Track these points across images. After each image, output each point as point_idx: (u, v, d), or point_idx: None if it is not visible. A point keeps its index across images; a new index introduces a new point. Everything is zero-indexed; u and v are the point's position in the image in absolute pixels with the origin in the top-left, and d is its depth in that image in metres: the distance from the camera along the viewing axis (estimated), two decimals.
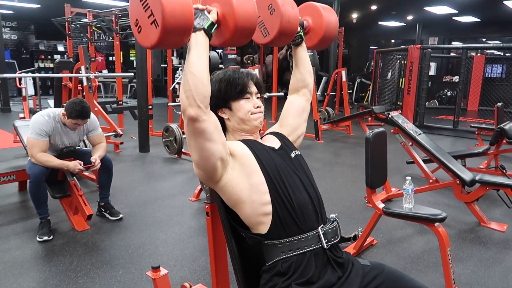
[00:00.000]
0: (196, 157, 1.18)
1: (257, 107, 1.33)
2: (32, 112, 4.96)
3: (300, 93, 1.53)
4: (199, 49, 1.11)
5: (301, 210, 1.20)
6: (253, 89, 1.34)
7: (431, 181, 3.42)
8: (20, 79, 5.71)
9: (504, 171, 3.72)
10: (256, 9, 1.20)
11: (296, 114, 1.50)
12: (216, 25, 1.15)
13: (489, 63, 10.60)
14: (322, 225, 1.23)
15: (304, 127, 1.51)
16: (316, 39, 1.54)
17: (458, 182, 3.01)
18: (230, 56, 8.98)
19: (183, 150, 4.87)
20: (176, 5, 1.02)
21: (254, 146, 1.27)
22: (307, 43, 1.54)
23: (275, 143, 1.36)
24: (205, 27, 1.12)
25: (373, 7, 10.00)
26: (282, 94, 7.54)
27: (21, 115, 5.16)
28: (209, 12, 1.14)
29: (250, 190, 1.20)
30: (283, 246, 1.19)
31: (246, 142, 1.28)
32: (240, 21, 1.14)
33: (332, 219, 1.28)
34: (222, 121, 1.35)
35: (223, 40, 1.19)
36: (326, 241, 1.20)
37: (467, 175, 2.98)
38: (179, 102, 4.77)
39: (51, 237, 2.65)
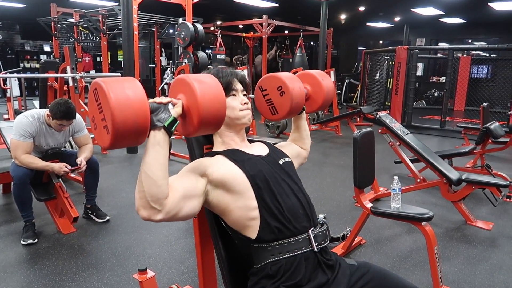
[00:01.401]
0: None
1: (244, 103, 1.32)
2: (17, 113, 4.88)
3: (299, 147, 1.61)
4: (156, 148, 1.03)
5: (291, 214, 1.19)
6: (239, 86, 1.33)
7: (418, 180, 3.45)
8: (4, 79, 5.62)
9: (490, 170, 3.77)
10: (225, 102, 1.11)
11: (294, 150, 1.56)
12: (177, 122, 1.06)
13: (475, 64, 10.76)
14: (313, 228, 1.22)
15: (299, 161, 1.57)
16: (315, 106, 1.62)
17: (445, 181, 3.04)
18: (219, 56, 8.98)
19: (171, 151, 4.84)
20: (129, 113, 0.94)
21: (237, 157, 1.25)
22: (307, 109, 1.61)
23: (262, 150, 1.35)
24: (165, 125, 1.03)
25: (361, 8, 10.07)
26: None
27: (6, 116, 5.08)
28: (173, 105, 1.07)
29: (235, 199, 1.18)
30: (273, 249, 1.18)
31: (229, 154, 1.26)
32: (205, 117, 1.06)
33: (321, 222, 1.28)
34: None
35: (187, 132, 1.12)
36: (316, 244, 1.20)
37: (453, 175, 3.01)
38: None
39: (36, 240, 2.61)
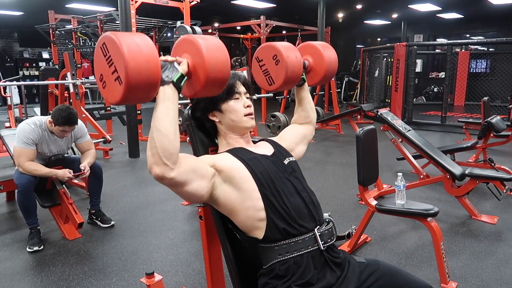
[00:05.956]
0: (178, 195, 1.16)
1: (247, 106, 1.31)
2: (18, 121, 4.88)
3: (304, 125, 1.56)
4: (166, 103, 1.05)
5: (296, 213, 1.20)
6: (242, 89, 1.33)
7: (422, 176, 3.45)
8: (4, 87, 5.63)
9: (493, 164, 3.76)
10: (229, 59, 1.14)
11: (297, 135, 1.52)
12: (186, 77, 1.09)
13: (474, 58, 10.76)
14: (318, 226, 1.22)
15: (303, 149, 1.52)
16: (317, 78, 1.57)
17: (448, 176, 3.04)
18: None
19: None
20: (141, 60, 0.95)
21: (243, 155, 1.25)
22: (309, 82, 1.56)
23: (267, 150, 1.35)
24: (174, 80, 1.06)
25: (359, 6, 10.06)
26: (271, 95, 7.55)
27: (7, 124, 5.08)
28: (179, 64, 1.08)
29: (242, 199, 1.19)
30: (280, 249, 1.18)
31: (234, 152, 1.27)
32: (212, 72, 1.08)
33: (327, 220, 1.28)
34: (213, 124, 1.34)
35: (195, 91, 1.13)
36: (322, 242, 1.20)
37: (457, 170, 3.01)
38: None
39: (42, 247, 2.61)
